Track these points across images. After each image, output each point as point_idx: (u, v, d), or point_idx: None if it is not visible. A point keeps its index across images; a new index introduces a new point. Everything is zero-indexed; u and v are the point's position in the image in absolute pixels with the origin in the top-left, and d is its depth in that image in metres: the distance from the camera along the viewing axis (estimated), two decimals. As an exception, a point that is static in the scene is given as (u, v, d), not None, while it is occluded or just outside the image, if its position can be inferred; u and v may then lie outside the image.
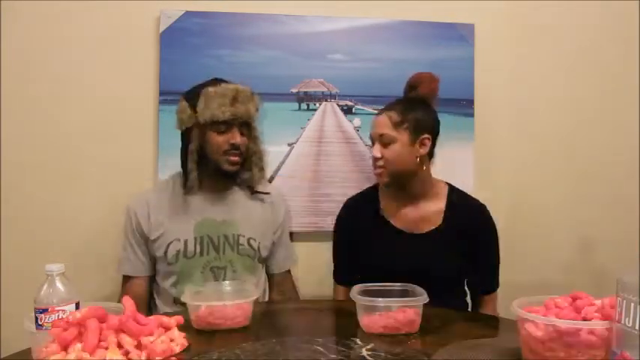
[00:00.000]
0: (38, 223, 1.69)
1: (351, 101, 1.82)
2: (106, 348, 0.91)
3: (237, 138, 1.45)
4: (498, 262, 1.52)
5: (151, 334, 0.96)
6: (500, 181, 1.90)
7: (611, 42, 1.93)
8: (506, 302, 1.07)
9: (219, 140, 1.44)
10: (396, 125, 1.40)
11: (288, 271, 1.69)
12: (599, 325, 0.84)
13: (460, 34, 1.84)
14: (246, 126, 1.49)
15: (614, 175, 1.93)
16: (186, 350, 1.01)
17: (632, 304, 0.74)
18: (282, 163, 1.79)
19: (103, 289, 1.66)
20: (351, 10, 1.81)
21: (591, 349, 0.84)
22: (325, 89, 1.81)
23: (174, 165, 1.57)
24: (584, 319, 0.86)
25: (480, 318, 1.42)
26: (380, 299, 1.12)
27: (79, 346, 0.90)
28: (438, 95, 1.50)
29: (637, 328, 0.74)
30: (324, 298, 1.68)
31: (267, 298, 1.63)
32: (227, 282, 1.37)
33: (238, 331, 1.13)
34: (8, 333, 1.58)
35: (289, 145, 1.79)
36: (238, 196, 1.56)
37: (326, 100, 1.81)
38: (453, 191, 1.52)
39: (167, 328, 1.03)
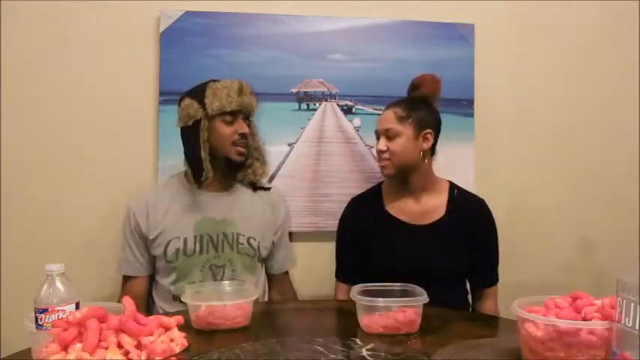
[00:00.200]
0: (38, 223, 1.69)
1: (351, 101, 1.82)
2: (106, 348, 0.91)
3: (244, 128, 1.49)
4: (498, 256, 1.55)
5: (150, 334, 0.96)
6: (500, 180, 1.90)
7: (611, 42, 1.93)
8: (507, 302, 1.08)
9: (227, 131, 1.47)
10: (401, 120, 1.45)
11: (287, 272, 1.70)
12: (599, 325, 0.84)
13: (460, 34, 1.85)
14: (248, 120, 1.53)
15: (614, 175, 1.93)
16: (186, 350, 1.01)
17: (632, 304, 0.74)
18: (282, 163, 1.79)
19: (103, 289, 1.66)
20: (351, 10, 1.81)
21: (591, 349, 0.84)
22: (325, 89, 1.81)
23: (175, 165, 1.58)
24: (584, 319, 0.86)
25: (480, 318, 1.42)
26: (380, 299, 1.13)
27: (79, 346, 0.90)
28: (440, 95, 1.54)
29: (637, 328, 0.74)
30: (324, 298, 1.68)
31: (266, 298, 1.63)
32: (227, 282, 1.37)
33: (238, 331, 1.13)
34: (8, 333, 1.58)
35: (289, 145, 1.79)
36: (239, 194, 1.57)
37: (326, 100, 1.81)
38: (453, 187, 1.56)
39: (167, 328, 1.03)
